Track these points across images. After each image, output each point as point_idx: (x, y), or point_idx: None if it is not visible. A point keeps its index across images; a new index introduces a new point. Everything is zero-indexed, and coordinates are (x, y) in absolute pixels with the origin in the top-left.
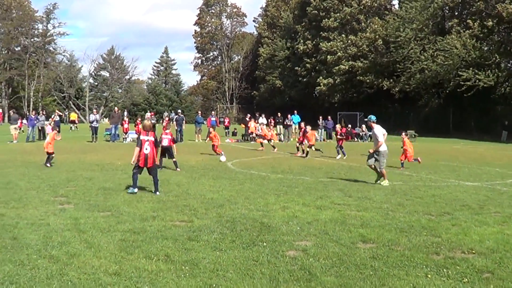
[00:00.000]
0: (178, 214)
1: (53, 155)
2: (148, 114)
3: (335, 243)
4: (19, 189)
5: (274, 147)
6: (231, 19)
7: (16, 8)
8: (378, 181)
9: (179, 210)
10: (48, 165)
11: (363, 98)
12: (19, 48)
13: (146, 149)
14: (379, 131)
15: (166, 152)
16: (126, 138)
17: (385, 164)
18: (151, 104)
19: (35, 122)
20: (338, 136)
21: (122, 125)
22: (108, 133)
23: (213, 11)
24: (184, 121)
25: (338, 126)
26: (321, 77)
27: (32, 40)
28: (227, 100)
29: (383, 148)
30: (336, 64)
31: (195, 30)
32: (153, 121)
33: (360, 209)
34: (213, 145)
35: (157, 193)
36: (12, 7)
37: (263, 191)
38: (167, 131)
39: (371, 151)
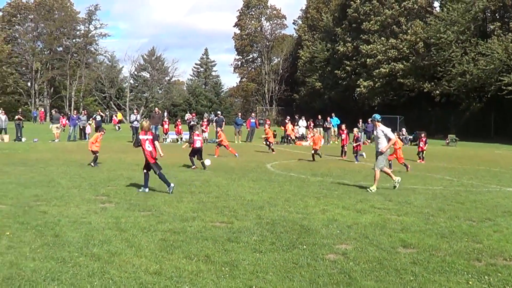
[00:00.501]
0: (218, 215)
1: (97, 155)
2: (187, 115)
3: (375, 247)
4: (61, 187)
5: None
6: (271, 21)
7: (58, 9)
8: (369, 188)
9: (219, 211)
10: (93, 164)
11: (403, 101)
12: (61, 49)
13: (148, 147)
14: (387, 129)
15: (197, 153)
16: (166, 138)
17: (382, 166)
18: (191, 105)
19: (77, 121)
20: (354, 143)
21: (162, 125)
22: None
23: (252, 13)
24: (223, 122)
25: (356, 130)
26: (361, 80)
27: (74, 40)
28: (267, 102)
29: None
30: (376, 67)
31: (235, 32)
32: (193, 122)
33: (400, 213)
34: (224, 146)
35: (171, 188)
36: (54, 8)
37: (303, 193)
38: (197, 132)
39: (383, 150)
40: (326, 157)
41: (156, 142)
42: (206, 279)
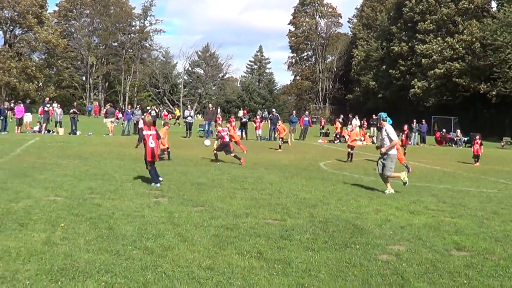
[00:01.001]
0: (271, 212)
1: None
2: (240, 112)
3: (429, 249)
4: (115, 181)
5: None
6: (326, 19)
7: (114, 5)
8: (385, 191)
9: (272, 209)
10: (170, 159)
11: (458, 102)
12: (116, 44)
13: (152, 143)
14: (392, 130)
15: (224, 147)
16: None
17: (393, 170)
18: (244, 102)
19: (131, 116)
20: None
21: (215, 121)
22: (202, 129)
23: (308, 10)
24: (278, 120)
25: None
26: (415, 80)
27: (129, 36)
28: (320, 100)
29: (393, 151)
30: (431, 67)
31: (290, 30)
32: (245, 119)
33: (454, 215)
34: (235, 142)
35: (157, 184)
36: (110, 3)
37: (356, 193)
38: (222, 128)
39: (384, 150)
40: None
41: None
42: (258, 276)
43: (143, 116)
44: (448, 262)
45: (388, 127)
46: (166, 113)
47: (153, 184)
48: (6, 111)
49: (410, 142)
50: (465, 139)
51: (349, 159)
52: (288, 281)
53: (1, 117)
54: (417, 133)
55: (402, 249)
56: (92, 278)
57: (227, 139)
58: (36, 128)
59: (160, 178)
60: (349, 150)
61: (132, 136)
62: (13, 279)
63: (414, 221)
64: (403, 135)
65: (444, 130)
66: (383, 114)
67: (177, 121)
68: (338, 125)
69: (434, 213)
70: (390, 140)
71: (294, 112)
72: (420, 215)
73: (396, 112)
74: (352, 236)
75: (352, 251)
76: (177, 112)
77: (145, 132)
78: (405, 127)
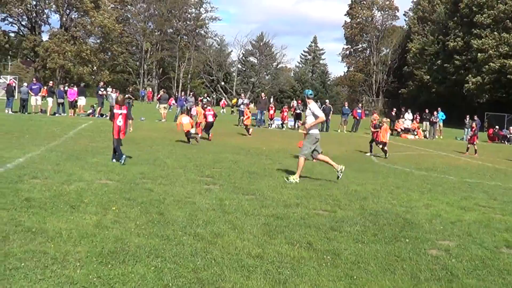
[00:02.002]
0: (322, 203)
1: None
2: (294, 103)
3: (479, 245)
4: (167, 167)
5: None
6: (382, 11)
7: None
8: (289, 178)
9: (322, 200)
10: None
11: None
12: (171, 30)
13: (120, 121)
14: (316, 107)
15: (210, 127)
16: (271, 124)
17: (308, 153)
18: (296, 92)
19: (184, 103)
20: (373, 129)
21: (268, 111)
22: (254, 118)
23: (364, 2)
24: (331, 111)
25: (375, 115)
26: (470, 75)
27: (184, 23)
28: (373, 93)
29: (315, 131)
30: (486, 62)
31: (345, 21)
32: (299, 110)
33: (505, 213)
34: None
35: (113, 160)
36: None
37: (407, 187)
38: (209, 107)
39: (307, 126)
40: (431, 152)
41: (129, 120)
42: (307, 266)
43: (246, 104)
44: (498, 259)
45: (313, 104)
46: (224, 102)
47: (121, 160)
48: (64, 93)
49: (477, 141)
50: None
51: (385, 155)
52: (337, 272)
53: (60, 100)
54: (469, 129)
55: (452, 244)
56: (142, 262)
57: (209, 119)
58: (90, 111)
59: (114, 160)
60: (380, 146)
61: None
62: (64, 260)
63: (464, 217)
64: (471, 132)
65: (497, 127)
66: (308, 91)
67: (232, 109)
68: (376, 116)
69: (484, 210)
70: (316, 117)
71: (346, 103)
72: (471, 212)
73: (449, 108)
74: (402, 230)
75: (401, 245)
76: (234, 101)
77: (115, 111)
78: (473, 124)
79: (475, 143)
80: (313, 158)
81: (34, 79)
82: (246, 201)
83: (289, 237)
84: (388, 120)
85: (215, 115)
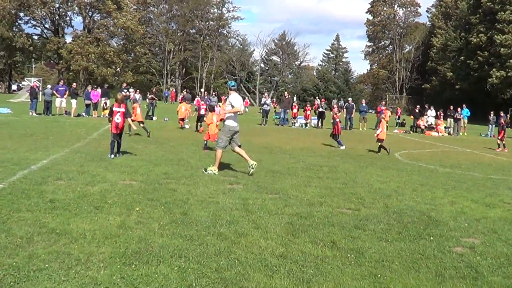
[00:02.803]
0: (345, 202)
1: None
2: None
3: (504, 243)
4: (190, 167)
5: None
6: (404, 8)
7: None
8: (207, 169)
9: (346, 198)
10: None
11: None
12: (194, 31)
13: (118, 118)
14: (235, 98)
15: (201, 118)
16: (294, 123)
17: (224, 145)
18: (320, 91)
19: (208, 102)
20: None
21: (291, 109)
22: (278, 116)
23: None
24: (354, 109)
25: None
26: (493, 70)
27: (206, 23)
28: (397, 90)
29: (231, 123)
30: (510, 57)
31: (367, 18)
32: (321, 109)
33: None
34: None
35: (118, 155)
36: None
37: (431, 184)
38: (203, 102)
39: (222, 116)
40: (456, 149)
41: (129, 119)
42: (331, 265)
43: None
44: None
45: (232, 95)
46: (247, 100)
47: (108, 155)
48: (90, 95)
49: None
50: None
51: (378, 151)
52: (361, 271)
53: (87, 101)
54: (494, 125)
55: (477, 242)
56: (166, 263)
57: (202, 112)
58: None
59: (112, 156)
60: (378, 143)
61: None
62: (88, 261)
63: (489, 214)
64: (500, 127)
65: None
66: (231, 83)
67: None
68: (388, 113)
69: (510, 207)
70: (232, 107)
71: (364, 101)
72: (496, 208)
73: (473, 104)
74: (426, 228)
75: (426, 243)
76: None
77: (114, 109)
78: (502, 120)
79: (502, 138)
80: (232, 150)
81: (61, 81)
82: (269, 200)
83: (313, 236)
84: (385, 116)
85: (206, 109)
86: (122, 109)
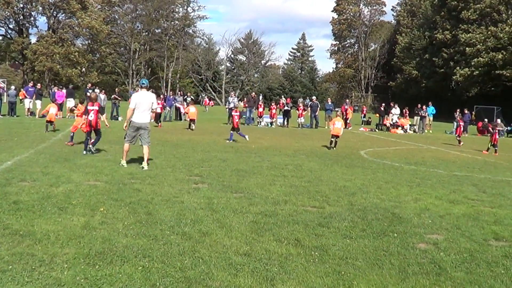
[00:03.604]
0: (310, 200)
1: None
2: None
3: (467, 238)
4: (155, 167)
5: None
6: (369, 7)
7: None
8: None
9: (311, 196)
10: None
11: (501, 92)
12: (159, 30)
13: (91, 116)
14: (134, 98)
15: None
16: (260, 122)
17: (129, 140)
18: (285, 90)
19: (173, 102)
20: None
21: (257, 109)
22: (244, 116)
23: None
24: (318, 108)
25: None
26: (458, 68)
27: (172, 23)
28: (363, 88)
29: (134, 118)
30: (475, 56)
31: (333, 17)
32: (287, 108)
33: (494, 205)
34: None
35: (93, 148)
36: None
37: (396, 181)
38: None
39: (126, 120)
40: (421, 146)
41: (102, 115)
42: (295, 263)
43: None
44: (486, 252)
45: (136, 94)
46: (207, 100)
47: (83, 152)
48: (55, 95)
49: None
50: (508, 128)
51: (331, 146)
52: (324, 268)
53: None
54: (457, 123)
55: (440, 238)
56: (130, 263)
57: (158, 110)
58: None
59: (84, 152)
60: (332, 138)
61: (174, 122)
62: (51, 262)
63: (453, 210)
64: (456, 124)
65: (486, 120)
66: (141, 81)
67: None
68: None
69: (473, 203)
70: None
71: (329, 99)
72: (460, 205)
73: (439, 101)
74: (390, 225)
75: (389, 240)
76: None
77: (88, 107)
78: (457, 117)
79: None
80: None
81: (30, 82)
82: (234, 199)
83: (277, 234)
84: (337, 112)
85: (163, 107)
86: (96, 108)
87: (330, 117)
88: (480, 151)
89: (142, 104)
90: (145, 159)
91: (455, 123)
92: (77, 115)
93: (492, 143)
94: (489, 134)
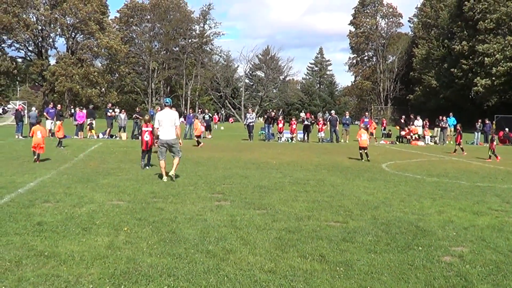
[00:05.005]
0: (333, 215)
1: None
2: (302, 114)
3: (492, 250)
4: (177, 185)
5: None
6: (386, 19)
7: (173, 9)
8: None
9: (334, 211)
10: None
11: None
12: (177, 49)
13: (147, 137)
14: (158, 117)
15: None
16: (280, 137)
17: (160, 156)
18: (304, 105)
19: (193, 120)
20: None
21: (277, 124)
22: (263, 132)
23: (368, 11)
24: (337, 121)
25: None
26: (478, 78)
27: (189, 40)
28: (382, 101)
29: (160, 135)
30: (494, 65)
31: (350, 30)
32: (306, 122)
33: None
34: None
35: (147, 167)
36: (170, 8)
37: (419, 194)
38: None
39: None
40: (443, 158)
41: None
42: (320, 279)
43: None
44: None
45: (160, 112)
46: (216, 117)
47: (143, 166)
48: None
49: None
50: None
51: (362, 159)
52: (350, 284)
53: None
54: (480, 133)
55: (466, 250)
56: (155, 282)
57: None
58: (100, 135)
59: (147, 167)
60: (360, 151)
61: (194, 139)
62: (77, 283)
63: (477, 222)
64: (457, 132)
65: (507, 129)
66: (165, 99)
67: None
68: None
69: (497, 214)
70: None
71: (347, 113)
72: (484, 216)
73: (458, 112)
74: (414, 238)
75: (414, 253)
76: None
77: (143, 128)
78: (458, 126)
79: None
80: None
81: (50, 104)
82: (257, 216)
83: (302, 250)
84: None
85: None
86: (150, 128)
87: (347, 131)
88: (501, 161)
89: (164, 121)
90: (174, 167)
91: (477, 134)
92: (56, 131)
93: (492, 150)
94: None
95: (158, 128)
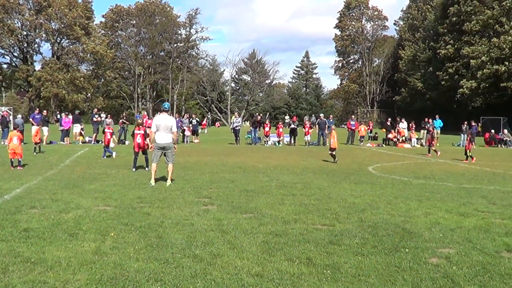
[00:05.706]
0: (320, 218)
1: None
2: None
3: (479, 251)
4: (164, 190)
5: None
6: (372, 22)
7: (159, 14)
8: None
9: (321, 214)
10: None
11: (507, 102)
12: (163, 53)
13: (138, 139)
14: (155, 121)
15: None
16: (267, 141)
17: (154, 159)
18: (291, 108)
19: (179, 124)
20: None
21: (263, 128)
22: (249, 136)
23: (353, 14)
24: (326, 125)
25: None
26: (464, 80)
27: (175, 45)
28: (368, 104)
29: (156, 139)
30: (480, 68)
31: (336, 34)
32: (293, 126)
33: (504, 217)
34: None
35: (147, 168)
36: (155, 13)
37: (405, 196)
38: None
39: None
40: (429, 160)
41: (147, 139)
42: (308, 282)
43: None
44: (499, 264)
45: (157, 117)
46: (205, 122)
47: (133, 169)
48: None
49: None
50: None
51: (335, 160)
52: (337, 287)
53: (60, 128)
54: (466, 135)
55: (452, 252)
56: (142, 287)
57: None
58: (87, 138)
59: (146, 169)
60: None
61: (181, 144)
62: None
63: (464, 223)
64: (429, 135)
65: (493, 131)
66: (163, 104)
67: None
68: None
69: (484, 215)
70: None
71: (331, 116)
72: (470, 217)
73: (444, 114)
74: (401, 240)
75: (401, 255)
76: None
77: (135, 131)
78: (430, 127)
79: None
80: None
81: (36, 109)
82: (244, 220)
83: (289, 254)
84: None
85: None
86: (142, 132)
87: (331, 134)
88: (487, 162)
89: (162, 126)
90: (169, 176)
91: (463, 135)
92: (33, 136)
93: (466, 151)
94: (497, 145)
95: (155, 132)
